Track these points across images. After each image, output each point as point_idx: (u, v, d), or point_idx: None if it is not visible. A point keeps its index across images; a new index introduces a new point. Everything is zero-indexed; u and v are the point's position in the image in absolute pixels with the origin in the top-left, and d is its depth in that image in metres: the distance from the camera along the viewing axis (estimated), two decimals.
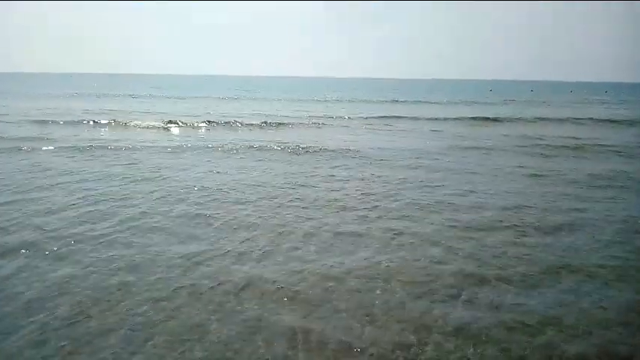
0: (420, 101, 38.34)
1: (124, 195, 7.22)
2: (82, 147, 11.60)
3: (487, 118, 22.17)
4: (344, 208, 6.69)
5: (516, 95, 53.55)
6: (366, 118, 22.16)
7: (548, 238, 5.65)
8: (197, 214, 6.29)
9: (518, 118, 22.62)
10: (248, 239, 5.38)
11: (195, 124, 17.62)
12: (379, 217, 6.34)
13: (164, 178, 8.52)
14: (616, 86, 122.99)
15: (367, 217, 6.34)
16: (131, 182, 8.18)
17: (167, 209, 6.50)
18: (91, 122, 17.14)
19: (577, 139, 15.43)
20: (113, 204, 6.71)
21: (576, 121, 22.31)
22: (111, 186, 7.79)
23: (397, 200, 7.21)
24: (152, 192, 7.42)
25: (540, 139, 15.45)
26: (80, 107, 23.85)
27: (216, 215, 6.25)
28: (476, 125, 20.25)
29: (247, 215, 6.31)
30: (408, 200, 7.22)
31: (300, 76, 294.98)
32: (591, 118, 22.99)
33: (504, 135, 16.53)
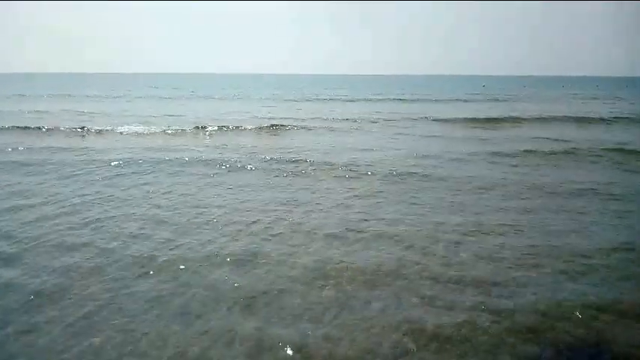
0: (415, 99, 37.13)
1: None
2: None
3: (478, 119, 20.99)
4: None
5: (509, 91, 52.90)
6: (357, 120, 20.94)
7: None
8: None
9: (514, 118, 21.57)
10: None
11: (171, 129, 16.25)
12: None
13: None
14: (608, 80, 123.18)
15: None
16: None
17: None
18: (44, 128, 15.77)
19: (565, 141, 14.36)
20: None
21: (565, 118, 21.50)
22: None
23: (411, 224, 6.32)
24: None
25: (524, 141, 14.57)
26: (51, 109, 23.16)
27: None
28: (469, 126, 19.19)
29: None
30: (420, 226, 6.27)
31: (296, 74, 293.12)
32: (584, 117, 22.20)
33: (505, 138, 15.45)
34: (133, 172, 9.38)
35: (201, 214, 6.65)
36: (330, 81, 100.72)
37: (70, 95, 36.37)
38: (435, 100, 35.98)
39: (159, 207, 6.95)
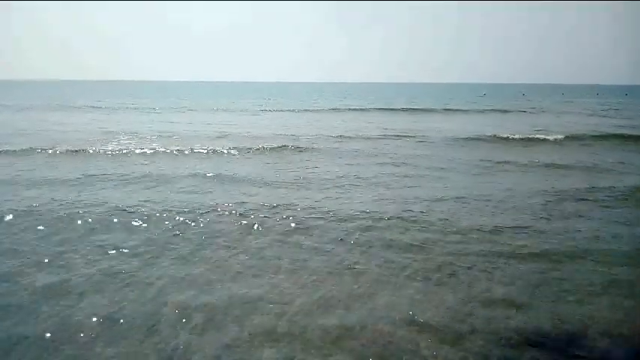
0: (418, 109, 34.55)
1: None
2: None
3: (494, 137, 17.77)
4: None
5: (510, 100, 51.26)
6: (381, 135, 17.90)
7: None
8: None
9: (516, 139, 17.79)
10: None
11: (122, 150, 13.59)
12: None
13: None
14: (606, 88, 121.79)
15: None
16: None
17: None
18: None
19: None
20: None
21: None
22: None
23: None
24: None
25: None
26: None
27: None
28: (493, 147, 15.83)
29: None
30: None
31: (298, 82, 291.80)
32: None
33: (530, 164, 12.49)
34: None
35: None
36: (336, 89, 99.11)
37: (59, 105, 33.98)
38: (465, 111, 33.77)
39: None
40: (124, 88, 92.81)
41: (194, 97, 55.76)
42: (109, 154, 12.94)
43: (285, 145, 14.58)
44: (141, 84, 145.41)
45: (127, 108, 33.77)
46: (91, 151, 13.12)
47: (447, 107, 36.94)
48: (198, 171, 10.72)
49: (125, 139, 15.87)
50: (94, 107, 33.06)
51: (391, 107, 36.87)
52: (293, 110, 33.46)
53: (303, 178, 10.20)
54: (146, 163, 11.88)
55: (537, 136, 18.28)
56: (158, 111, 31.09)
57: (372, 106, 37.23)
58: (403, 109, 34.88)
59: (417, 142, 16.79)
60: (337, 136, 17.60)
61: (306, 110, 33.50)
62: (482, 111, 34.59)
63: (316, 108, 35.92)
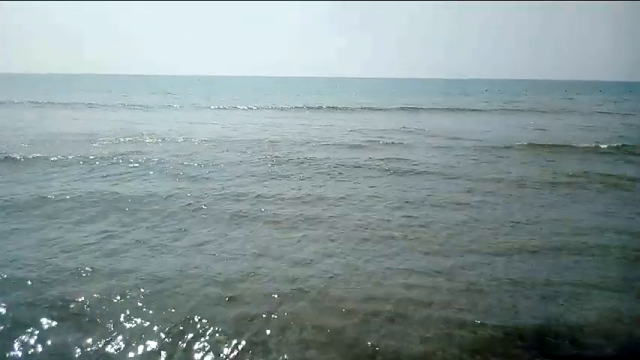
0: (419, 108, 32.40)
1: None
2: None
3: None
4: None
5: (513, 97, 50.19)
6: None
7: None
8: None
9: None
10: None
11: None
12: None
13: None
14: (609, 85, 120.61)
15: None
16: None
17: None
18: None
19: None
20: None
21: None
22: None
23: None
24: None
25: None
26: None
27: None
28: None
29: None
30: None
31: (295, 76, 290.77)
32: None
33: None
34: None
35: None
36: (332, 84, 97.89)
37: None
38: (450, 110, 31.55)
39: None
40: (127, 81, 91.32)
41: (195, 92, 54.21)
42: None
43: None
44: (144, 78, 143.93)
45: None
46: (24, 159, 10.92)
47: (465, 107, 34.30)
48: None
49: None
50: (78, 103, 30.97)
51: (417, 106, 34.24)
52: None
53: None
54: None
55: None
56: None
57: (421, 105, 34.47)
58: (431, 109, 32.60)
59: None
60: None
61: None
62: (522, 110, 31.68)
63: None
